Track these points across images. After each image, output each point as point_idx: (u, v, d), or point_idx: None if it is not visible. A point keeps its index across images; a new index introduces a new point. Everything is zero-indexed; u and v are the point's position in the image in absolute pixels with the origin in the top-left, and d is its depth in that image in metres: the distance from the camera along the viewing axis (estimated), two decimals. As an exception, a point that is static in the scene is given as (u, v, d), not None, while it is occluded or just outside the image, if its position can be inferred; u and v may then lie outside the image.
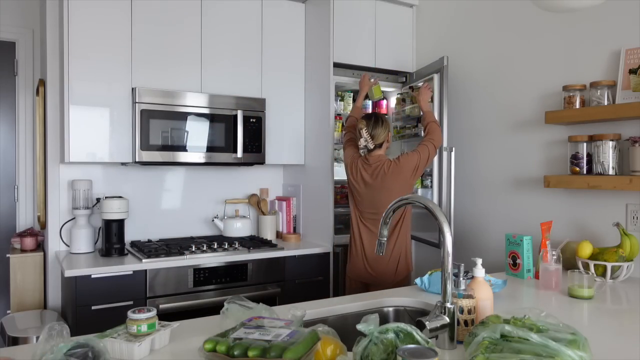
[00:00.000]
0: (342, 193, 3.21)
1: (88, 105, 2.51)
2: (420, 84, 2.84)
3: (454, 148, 2.55)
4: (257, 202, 3.24)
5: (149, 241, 2.89)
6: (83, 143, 2.50)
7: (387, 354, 0.96)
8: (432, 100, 2.67)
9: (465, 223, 2.79)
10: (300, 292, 2.77)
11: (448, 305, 1.18)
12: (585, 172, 2.08)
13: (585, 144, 2.08)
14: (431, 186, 2.71)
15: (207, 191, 3.19)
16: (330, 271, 2.88)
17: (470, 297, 1.23)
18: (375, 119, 2.42)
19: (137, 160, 2.58)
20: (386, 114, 3.26)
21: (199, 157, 2.74)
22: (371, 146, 2.40)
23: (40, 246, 2.97)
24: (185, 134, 2.70)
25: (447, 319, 1.17)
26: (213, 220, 3.09)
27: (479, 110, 2.72)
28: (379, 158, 2.42)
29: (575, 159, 2.11)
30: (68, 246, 2.74)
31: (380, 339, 0.98)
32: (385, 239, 1.44)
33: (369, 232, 2.45)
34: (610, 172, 1.98)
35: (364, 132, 2.39)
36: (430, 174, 2.73)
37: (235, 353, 0.93)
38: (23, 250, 2.86)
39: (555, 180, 2.14)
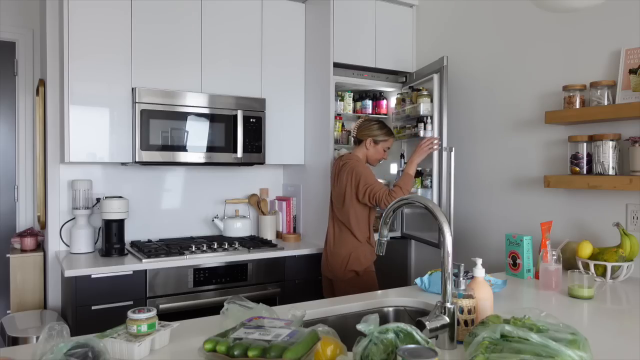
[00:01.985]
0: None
1: (88, 105, 2.51)
2: (421, 86, 2.84)
3: (453, 148, 2.55)
4: (257, 202, 3.23)
5: (149, 241, 2.89)
6: (83, 143, 2.50)
7: (387, 354, 0.96)
8: (432, 101, 2.67)
9: (465, 223, 2.79)
10: (300, 292, 2.77)
11: (448, 305, 1.18)
12: (585, 172, 2.08)
13: (585, 144, 2.08)
14: (431, 186, 2.71)
15: (207, 191, 3.19)
16: (330, 271, 2.88)
17: (470, 297, 1.23)
18: (366, 119, 2.63)
19: (137, 160, 2.58)
20: (386, 114, 3.27)
21: (199, 157, 2.74)
22: (353, 134, 2.61)
23: (40, 246, 2.97)
24: (185, 134, 2.70)
25: (447, 319, 1.17)
26: (213, 220, 3.09)
27: (478, 110, 2.72)
28: (349, 157, 2.54)
29: (575, 159, 2.10)
30: (68, 246, 2.74)
31: (380, 339, 0.98)
32: (386, 239, 1.44)
33: (332, 224, 2.57)
34: (610, 172, 1.98)
35: (354, 123, 2.66)
36: (430, 174, 2.73)
37: (235, 353, 0.93)
38: (23, 250, 2.86)
39: (555, 180, 2.14)
